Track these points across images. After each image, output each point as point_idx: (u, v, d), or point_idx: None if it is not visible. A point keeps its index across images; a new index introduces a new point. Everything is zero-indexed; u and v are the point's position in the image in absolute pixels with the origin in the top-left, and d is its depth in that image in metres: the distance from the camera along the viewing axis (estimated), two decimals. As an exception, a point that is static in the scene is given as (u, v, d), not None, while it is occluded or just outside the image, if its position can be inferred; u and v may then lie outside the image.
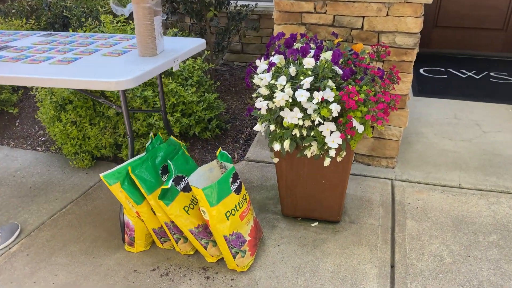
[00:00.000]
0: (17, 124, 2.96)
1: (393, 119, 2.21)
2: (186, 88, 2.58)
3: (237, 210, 1.62)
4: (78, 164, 2.43)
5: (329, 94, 1.51)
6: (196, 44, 1.94)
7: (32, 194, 2.22)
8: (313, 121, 1.57)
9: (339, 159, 1.63)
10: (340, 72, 1.58)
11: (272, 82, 1.57)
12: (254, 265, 1.70)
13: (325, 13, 2.09)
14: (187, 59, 2.85)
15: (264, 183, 2.24)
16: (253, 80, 1.61)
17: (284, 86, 1.54)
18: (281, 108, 1.57)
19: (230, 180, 1.61)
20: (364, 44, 2.10)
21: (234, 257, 1.63)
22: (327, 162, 1.58)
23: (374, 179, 2.25)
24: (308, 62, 1.52)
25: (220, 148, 1.75)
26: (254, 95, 1.66)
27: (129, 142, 1.81)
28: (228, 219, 1.59)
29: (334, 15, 2.08)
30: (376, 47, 1.85)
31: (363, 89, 1.56)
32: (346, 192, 1.83)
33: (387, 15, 2.00)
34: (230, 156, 1.76)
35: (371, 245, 1.79)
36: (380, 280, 1.61)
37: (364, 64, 1.63)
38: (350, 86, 1.53)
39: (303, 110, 1.56)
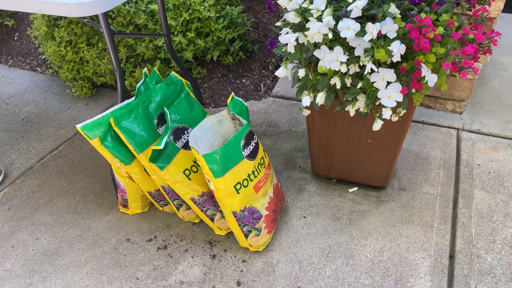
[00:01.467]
0: (15, 38, 2.59)
1: (470, 51, 1.65)
2: (202, 0, 2.06)
3: (251, 180, 1.24)
4: (77, 92, 2.07)
5: (390, 27, 1.00)
6: None
7: (23, 129, 1.91)
8: (362, 67, 1.08)
9: (395, 118, 1.17)
10: (410, -9, 1.05)
11: (305, 5, 1.06)
12: (272, 242, 1.36)
13: None
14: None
15: (294, 128, 1.81)
16: (278, 1, 1.11)
17: (323, 12, 1.03)
18: (316, 46, 1.09)
19: (242, 142, 1.20)
20: None
21: (246, 236, 1.28)
22: (377, 126, 1.13)
23: (435, 128, 1.77)
24: (362, -25, 0.99)
25: (232, 94, 1.31)
26: (279, 23, 1.17)
27: (117, 79, 1.40)
28: (238, 193, 1.21)
29: None
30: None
31: (441, 19, 1.04)
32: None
33: None
34: (245, 104, 1.33)
35: (425, 224, 1.38)
36: (434, 277, 1.23)
37: (448, -21, 1.07)
38: (423, 15, 1.01)
39: (349, 50, 1.07)
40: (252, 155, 1.23)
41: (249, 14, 2.56)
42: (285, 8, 1.12)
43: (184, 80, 1.44)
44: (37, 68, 2.37)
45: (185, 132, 1.36)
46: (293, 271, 1.27)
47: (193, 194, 1.30)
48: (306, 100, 1.13)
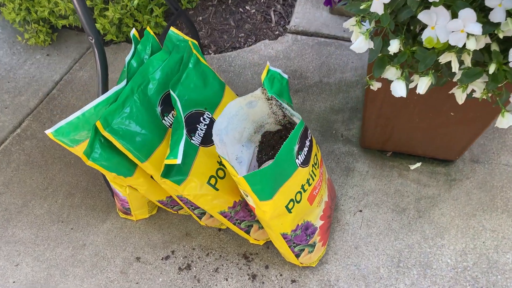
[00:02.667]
0: None
1: None
2: None
3: (305, 191, 0.89)
4: (32, 39, 1.56)
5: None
6: None
7: (-31, 97, 1.46)
8: (495, 39, 0.68)
9: (517, 101, 0.80)
10: None
11: None
12: (325, 252, 1.06)
13: None
14: None
15: (325, 78, 1.42)
16: None
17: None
18: (423, 4, 0.67)
19: (296, 148, 0.83)
20: None
21: (297, 256, 0.98)
22: (504, 122, 0.76)
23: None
24: None
25: (267, 66, 0.90)
26: None
27: (94, 51, 0.95)
28: (290, 212, 0.87)
29: None
30: None
31: None
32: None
33: None
34: (285, 76, 0.93)
35: (512, 210, 1.10)
36: (534, 287, 0.98)
37: None
38: None
39: (480, 11, 0.66)
40: (306, 160, 0.87)
41: None
42: None
43: (189, 40, 1.00)
44: (-28, 2, 1.80)
45: (201, 119, 0.96)
46: (359, 291, 1.00)
47: (223, 207, 0.96)
48: (399, 88, 0.74)
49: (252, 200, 0.83)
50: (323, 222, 0.99)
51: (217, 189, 0.94)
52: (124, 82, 0.88)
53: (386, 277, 1.01)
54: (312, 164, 0.90)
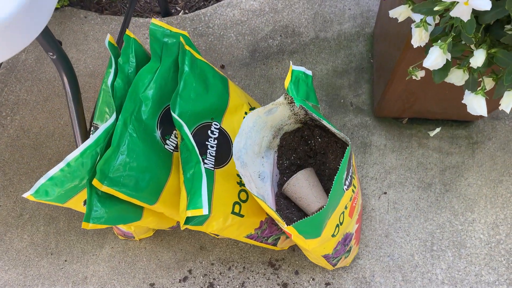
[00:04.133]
0: None
1: None
2: None
3: (346, 209, 0.78)
4: None
5: None
6: None
7: None
8: None
9: None
10: None
11: None
12: (355, 245, 0.99)
13: None
14: None
15: (322, 32, 1.22)
16: None
17: None
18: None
19: (344, 176, 0.69)
20: None
21: (334, 265, 0.90)
22: None
23: None
24: None
25: (291, 67, 0.72)
26: None
27: (58, 68, 0.71)
28: (335, 236, 0.77)
29: None
30: None
31: None
32: None
33: None
34: (309, 73, 0.75)
35: (537, 170, 1.05)
36: None
37: None
38: None
39: None
40: (351, 180, 0.74)
41: None
42: None
43: (180, 32, 0.77)
44: None
45: (208, 132, 0.79)
46: (396, 283, 0.95)
47: (249, 230, 0.83)
48: (477, 104, 0.60)
49: (299, 242, 0.71)
50: (357, 225, 0.89)
51: (242, 216, 0.80)
52: (113, 117, 0.67)
53: (421, 264, 0.96)
54: (352, 176, 0.78)
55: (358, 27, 1.22)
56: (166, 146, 0.76)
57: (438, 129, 1.10)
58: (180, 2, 1.29)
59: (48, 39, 0.66)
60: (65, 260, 0.98)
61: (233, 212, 0.78)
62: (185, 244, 0.99)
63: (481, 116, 1.09)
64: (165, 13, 1.25)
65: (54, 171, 0.65)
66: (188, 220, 0.71)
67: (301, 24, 1.22)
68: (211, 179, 0.76)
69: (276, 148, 0.86)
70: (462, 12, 0.51)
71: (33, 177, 1.06)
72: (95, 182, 0.64)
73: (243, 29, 1.22)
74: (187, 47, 0.77)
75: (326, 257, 0.82)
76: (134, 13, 1.26)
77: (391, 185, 1.04)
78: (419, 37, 0.59)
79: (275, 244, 0.92)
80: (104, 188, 0.65)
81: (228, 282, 0.96)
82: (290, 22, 1.22)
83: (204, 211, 0.66)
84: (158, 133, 0.74)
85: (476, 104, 0.59)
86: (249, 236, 0.85)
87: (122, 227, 0.86)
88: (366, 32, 1.21)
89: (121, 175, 0.67)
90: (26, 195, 0.65)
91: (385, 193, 1.04)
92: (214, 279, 0.96)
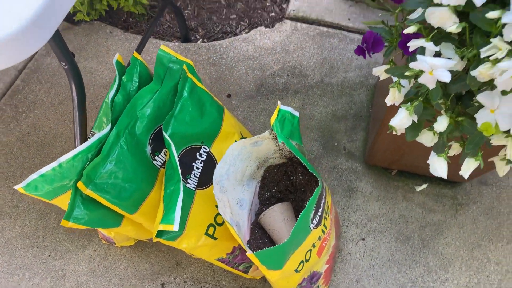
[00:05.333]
0: None
1: None
2: None
3: (314, 247, 0.81)
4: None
5: None
6: None
7: None
8: None
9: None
10: None
11: (495, 14, 0.49)
12: (326, 285, 1.01)
13: None
14: None
15: (327, 77, 1.28)
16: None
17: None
18: (485, 85, 0.55)
19: (311, 214, 0.73)
20: None
21: (300, 301, 0.92)
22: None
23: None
24: None
25: (278, 107, 0.77)
26: (411, 29, 0.58)
27: (69, 77, 0.79)
28: (298, 272, 0.80)
29: None
30: None
31: None
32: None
33: None
34: (296, 114, 0.80)
35: (517, 240, 1.07)
36: (534, 325, 0.97)
37: None
38: None
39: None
40: (320, 220, 0.78)
41: None
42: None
43: (184, 60, 0.84)
44: None
45: (197, 155, 0.84)
46: (360, 330, 0.96)
47: (221, 254, 0.87)
48: (439, 166, 0.64)
49: (260, 270, 0.74)
50: (328, 266, 0.92)
51: (215, 238, 0.84)
52: (108, 127, 0.73)
53: (388, 315, 0.98)
54: (324, 217, 0.81)
55: (363, 77, 1.27)
56: (154, 162, 0.81)
57: (425, 185, 1.13)
58: (200, 31, 1.37)
59: (62, 50, 0.73)
60: (49, 255, 1.03)
61: (206, 234, 0.82)
62: (163, 258, 1.03)
63: (468, 179, 1.11)
64: (185, 39, 1.33)
65: (46, 169, 0.71)
66: (160, 233, 0.75)
67: (308, 67, 1.28)
68: (191, 199, 0.81)
69: (260, 179, 0.91)
70: (427, 81, 0.56)
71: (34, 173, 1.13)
72: (79, 184, 0.69)
73: (254, 64, 1.29)
74: (189, 75, 0.84)
75: (290, 291, 0.84)
76: (156, 35, 1.35)
77: (370, 232, 1.07)
78: (392, 97, 0.64)
79: (246, 272, 0.95)
80: (88, 192, 0.71)
81: (197, 302, 0.99)
82: (299, 64, 1.29)
83: (175, 227, 0.70)
84: (148, 149, 0.80)
85: (438, 166, 0.63)
86: (221, 260, 0.88)
87: (103, 231, 0.91)
88: (370, 83, 1.26)
89: (105, 182, 0.72)
90: (17, 187, 0.70)
91: (363, 239, 1.06)
92: (184, 296, 0.99)
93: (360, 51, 0.63)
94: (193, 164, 0.83)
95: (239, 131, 0.94)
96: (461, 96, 0.65)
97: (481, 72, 0.51)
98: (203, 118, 0.85)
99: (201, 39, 1.35)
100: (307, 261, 0.80)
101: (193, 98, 0.84)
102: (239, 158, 0.82)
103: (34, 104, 1.23)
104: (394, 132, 0.78)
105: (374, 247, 1.05)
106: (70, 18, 1.36)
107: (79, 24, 1.37)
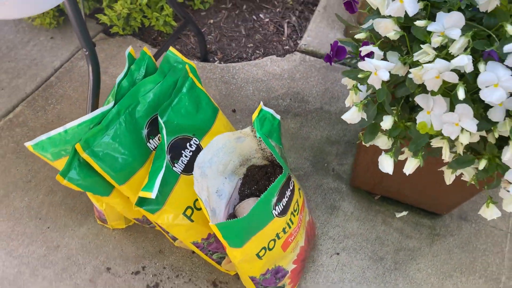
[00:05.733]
0: None
1: None
2: None
3: (279, 239, 0.88)
4: (38, 20, 1.53)
5: None
6: None
7: (-33, 72, 1.44)
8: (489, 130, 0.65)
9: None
10: None
11: (422, 23, 0.59)
12: (295, 291, 1.06)
13: None
14: None
15: (327, 105, 1.38)
16: (368, -3, 0.62)
17: (457, 43, 0.57)
18: (422, 88, 0.64)
19: (274, 200, 0.81)
20: None
21: (265, 296, 0.97)
22: (489, 213, 0.74)
23: None
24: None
25: (260, 106, 0.88)
26: (361, 35, 0.69)
27: (89, 61, 0.93)
28: (261, 258, 0.86)
29: None
30: None
31: None
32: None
33: None
34: (277, 117, 0.90)
35: (490, 277, 1.08)
36: None
37: None
38: None
39: (478, 105, 0.63)
40: (285, 210, 0.85)
41: None
42: (376, 9, 0.63)
43: (187, 62, 0.97)
44: (-15, -31, 1.77)
45: (187, 145, 0.94)
46: (321, 337, 0.99)
47: (196, 238, 0.95)
48: (386, 164, 0.71)
49: (223, 245, 0.82)
50: (295, 266, 0.98)
51: (192, 221, 0.92)
52: (111, 103, 0.86)
53: (351, 327, 1.01)
54: (291, 212, 0.89)
55: (360, 109, 1.36)
56: (148, 144, 0.92)
57: (405, 212, 1.18)
58: (219, 54, 1.52)
59: (86, 38, 0.88)
60: (48, 227, 1.14)
61: (184, 214, 0.91)
62: (148, 244, 1.11)
63: (448, 212, 1.15)
64: (204, 59, 1.48)
65: (53, 132, 0.83)
66: (141, 203, 0.85)
67: (310, 94, 1.39)
68: (175, 180, 0.90)
69: (242, 176, 1.00)
70: (374, 81, 0.65)
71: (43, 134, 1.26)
72: (77, 146, 0.81)
73: (261, 86, 1.41)
74: (190, 74, 0.96)
75: (253, 280, 0.90)
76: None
77: (345, 248, 1.12)
78: (351, 99, 0.73)
79: (219, 263, 1.02)
80: (85, 156, 0.82)
81: (171, 287, 1.05)
82: (302, 91, 1.40)
83: (152, 195, 0.80)
84: (145, 131, 0.91)
85: (385, 163, 0.71)
86: (196, 244, 0.96)
87: (95, 202, 1.01)
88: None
89: (101, 150, 0.83)
90: (27, 144, 0.83)
91: (338, 254, 1.11)
92: (161, 280, 1.06)
93: (327, 58, 0.74)
94: (183, 152, 0.93)
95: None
96: (414, 107, 0.74)
97: (414, 74, 0.60)
98: (197, 114, 0.96)
99: (218, 61, 1.50)
100: (270, 249, 0.86)
101: (191, 95, 0.96)
102: (223, 150, 0.92)
103: (62, 98, 1.38)
104: (363, 143, 0.86)
105: (347, 262, 1.09)
106: (107, 30, 1.55)
107: (114, 37, 1.55)
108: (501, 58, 0.55)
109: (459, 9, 0.60)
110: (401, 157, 0.76)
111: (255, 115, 0.87)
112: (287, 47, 1.54)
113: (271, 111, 0.90)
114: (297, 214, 0.92)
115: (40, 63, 1.47)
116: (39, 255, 1.09)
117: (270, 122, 0.89)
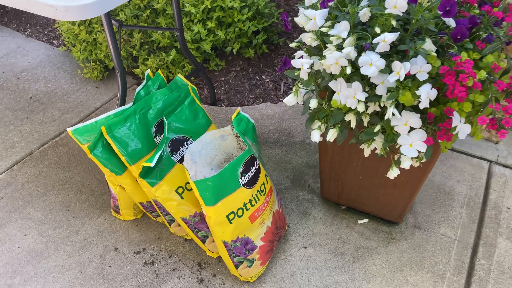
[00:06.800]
0: (36, 6, 2.50)
1: None
2: (227, -13, 1.90)
3: (247, 210, 1.12)
4: (88, 74, 1.98)
5: (421, 67, 0.84)
6: None
7: (29, 109, 1.85)
8: (383, 106, 0.93)
9: (416, 164, 1.02)
10: (452, 24, 0.88)
11: (325, 29, 0.91)
12: (265, 273, 1.25)
13: None
14: None
15: (308, 139, 1.67)
16: (296, 19, 0.96)
17: (345, 40, 0.88)
18: (333, 76, 0.94)
19: (240, 170, 1.08)
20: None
21: (236, 267, 1.18)
22: (393, 174, 0.98)
23: (465, 157, 1.60)
24: (396, 3, 0.83)
25: (238, 110, 1.19)
26: (293, 44, 1.02)
27: (118, 79, 1.29)
28: (231, 223, 1.10)
29: None
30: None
31: (485, 61, 0.87)
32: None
33: None
34: (251, 121, 1.20)
35: (437, 272, 1.25)
36: (437, 339, 1.11)
37: (499, 12, 0.89)
38: (464, 56, 0.84)
39: (370, 85, 0.92)
40: (250, 183, 1.11)
41: (280, 1, 2.38)
42: (303, 27, 0.97)
43: (190, 85, 1.32)
44: (54, 41, 2.29)
45: (184, 143, 1.25)
46: (284, 309, 1.17)
47: (185, 214, 1.20)
48: (315, 135, 1.00)
49: (201, 205, 1.08)
50: (263, 244, 1.20)
51: (182, 198, 1.19)
52: (130, 104, 1.20)
53: (310, 303, 1.18)
54: (258, 190, 1.14)
55: (336, 143, 1.64)
56: (155, 139, 1.23)
57: (366, 220, 1.39)
58: (226, 102, 1.88)
59: (118, 61, 1.25)
60: (73, 217, 1.42)
61: (176, 191, 1.18)
62: (150, 232, 1.36)
63: (401, 217, 1.36)
64: (213, 104, 1.84)
65: (87, 122, 1.16)
66: (144, 174, 1.13)
67: (295, 131, 1.69)
68: (171, 165, 1.19)
69: (225, 171, 1.27)
70: (302, 74, 0.96)
71: (82, 167, 1.58)
72: (103, 128, 1.13)
73: (256, 123, 1.73)
74: (192, 94, 1.30)
75: (225, 245, 1.13)
76: (193, 99, 1.87)
77: (312, 244, 1.32)
78: (294, 98, 1.03)
79: (203, 241, 1.25)
80: (107, 137, 1.13)
81: (164, 265, 1.28)
82: (289, 128, 1.71)
83: (152, 164, 1.09)
84: (153, 129, 1.23)
85: (314, 135, 0.98)
86: (184, 219, 1.21)
87: (112, 186, 1.29)
88: (340, 147, 1.62)
89: (120, 136, 1.15)
90: (68, 129, 1.16)
91: (305, 248, 1.32)
92: (156, 259, 1.29)
93: (280, 69, 1.06)
94: (180, 147, 1.24)
95: (220, 141, 1.34)
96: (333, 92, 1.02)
97: (322, 63, 0.91)
98: (194, 121, 1.28)
99: (224, 106, 1.85)
100: (239, 216, 1.10)
101: (191, 107, 1.28)
102: (210, 145, 1.21)
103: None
104: (312, 138, 1.14)
105: (313, 254, 1.30)
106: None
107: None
108: (373, 48, 0.86)
109: (355, 23, 0.93)
110: (329, 138, 1.03)
111: (233, 116, 1.17)
112: (282, 99, 1.88)
113: (247, 115, 1.20)
114: (263, 196, 1.17)
115: (85, 104, 1.87)
116: (63, 236, 1.36)
117: (245, 123, 1.20)
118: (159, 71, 1.30)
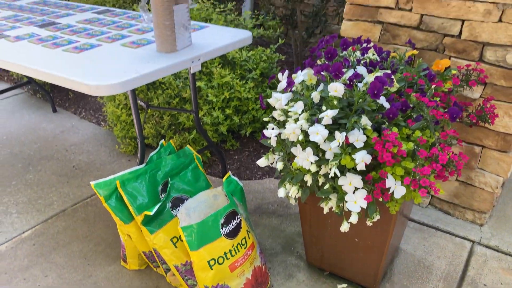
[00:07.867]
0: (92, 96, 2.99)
1: (489, 163, 1.60)
2: (245, 82, 2.26)
3: (227, 259, 1.30)
4: (124, 149, 2.32)
5: (357, 137, 1.06)
6: (236, 38, 1.60)
7: (70, 175, 2.18)
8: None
9: (369, 223, 1.18)
10: (386, 105, 1.11)
11: (287, 107, 1.17)
12: (245, 324, 1.38)
13: (410, 10, 1.55)
14: (255, 46, 2.51)
15: (304, 212, 1.85)
16: (269, 100, 1.23)
17: (300, 115, 1.13)
18: (293, 143, 1.17)
19: (222, 221, 1.29)
20: (460, 59, 1.51)
21: (216, 312, 1.33)
22: (344, 227, 1.15)
23: (448, 236, 1.70)
24: (335, 88, 1.08)
25: (228, 173, 1.42)
26: (266, 119, 1.28)
27: (139, 146, 1.59)
28: (211, 268, 1.28)
29: (422, 15, 1.53)
30: (465, 68, 1.29)
31: (414, 136, 1.07)
32: (386, 257, 1.37)
33: (500, 21, 1.39)
34: (240, 184, 1.43)
35: (406, 338, 1.31)
36: None
37: (426, 99, 1.12)
38: (394, 129, 1.06)
39: (322, 152, 1.14)
40: (231, 234, 1.30)
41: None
42: (274, 106, 1.23)
43: (195, 154, 1.58)
44: (102, 123, 2.71)
45: (184, 201, 1.47)
46: None
47: (177, 261, 1.39)
48: (280, 192, 1.20)
49: (187, 250, 1.27)
50: (242, 294, 1.34)
51: (176, 247, 1.39)
52: (143, 165, 1.47)
53: None
54: (238, 243, 1.32)
55: (328, 216, 1.80)
56: (160, 196, 1.47)
57: (345, 285, 1.50)
58: (235, 176, 2.12)
59: (141, 134, 1.55)
60: (88, 264, 1.64)
61: (171, 240, 1.39)
62: (149, 281, 1.54)
63: (375, 286, 1.46)
64: (223, 177, 2.09)
65: (108, 178, 1.44)
66: (147, 223, 1.36)
67: (292, 204, 1.88)
68: (171, 218, 1.42)
69: (217, 228, 1.47)
70: (272, 142, 1.20)
71: (104, 224, 1.83)
72: (117, 182, 1.39)
73: (258, 195, 1.94)
74: (196, 161, 1.56)
75: (207, 289, 1.29)
76: (205, 171, 2.14)
77: (291, 302, 1.44)
78: (266, 159, 1.26)
79: (191, 288, 1.41)
80: (120, 190, 1.39)
81: (157, 310, 1.44)
82: (287, 201, 1.90)
83: (152, 213, 1.32)
84: (159, 188, 1.48)
85: (279, 191, 1.19)
86: (176, 267, 1.39)
87: (121, 235, 1.51)
88: (331, 220, 1.78)
89: (131, 191, 1.41)
90: (92, 183, 1.43)
91: (285, 305, 1.43)
92: (151, 304, 1.46)
93: (262, 135, 1.30)
94: (181, 204, 1.47)
95: (217, 203, 1.56)
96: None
97: (284, 133, 1.15)
98: (196, 184, 1.53)
99: (234, 181, 2.09)
100: (220, 264, 1.28)
101: (193, 172, 1.54)
102: (204, 204, 1.44)
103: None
104: (290, 200, 1.34)
105: (290, 312, 1.41)
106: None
107: (168, 161, 2.25)
108: (320, 121, 1.09)
109: (313, 103, 1.17)
110: (292, 195, 1.22)
111: (224, 178, 1.41)
112: (286, 177, 2.10)
113: (236, 178, 1.43)
114: (244, 249, 1.34)
115: (117, 173, 2.17)
116: (77, 279, 1.57)
117: (234, 185, 1.42)
118: (171, 141, 1.59)
